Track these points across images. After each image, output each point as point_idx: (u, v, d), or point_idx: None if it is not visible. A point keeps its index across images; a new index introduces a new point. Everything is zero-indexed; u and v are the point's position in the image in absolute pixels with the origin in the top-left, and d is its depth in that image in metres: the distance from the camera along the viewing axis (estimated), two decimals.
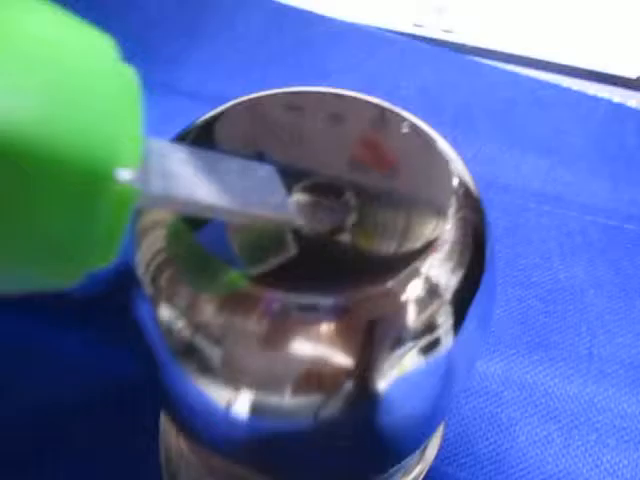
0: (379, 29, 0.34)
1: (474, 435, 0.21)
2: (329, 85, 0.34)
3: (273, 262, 0.13)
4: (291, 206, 0.13)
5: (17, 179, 0.09)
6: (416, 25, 0.35)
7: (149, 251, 0.13)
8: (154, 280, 0.13)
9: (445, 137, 0.16)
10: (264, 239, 0.13)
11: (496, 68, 0.33)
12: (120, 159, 0.10)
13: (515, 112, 0.31)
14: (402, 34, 0.34)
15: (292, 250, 0.13)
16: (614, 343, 0.23)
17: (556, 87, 0.32)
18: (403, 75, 0.32)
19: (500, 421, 0.21)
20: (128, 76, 0.10)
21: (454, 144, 0.30)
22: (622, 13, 0.35)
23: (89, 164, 0.09)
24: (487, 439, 0.21)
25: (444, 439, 0.21)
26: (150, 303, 0.13)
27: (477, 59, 0.33)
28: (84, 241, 0.10)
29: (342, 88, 0.17)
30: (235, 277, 0.12)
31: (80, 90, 0.09)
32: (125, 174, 0.10)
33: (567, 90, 0.32)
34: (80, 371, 0.21)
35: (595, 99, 0.32)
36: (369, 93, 0.33)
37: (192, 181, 0.11)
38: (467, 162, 0.29)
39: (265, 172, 0.13)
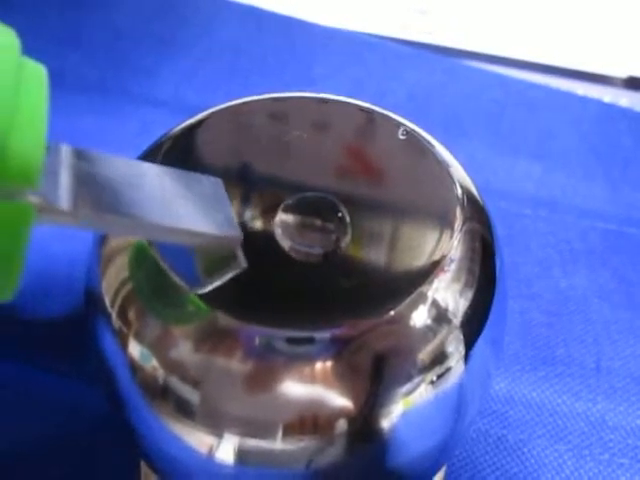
0: (363, 34, 0.33)
1: (479, 460, 0.20)
2: (312, 92, 0.33)
3: (223, 277, 0.11)
4: (235, 225, 0.11)
5: None
6: (401, 29, 0.34)
7: (116, 279, 0.11)
8: (122, 313, 0.11)
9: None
10: (213, 252, 0.11)
11: (484, 70, 0.32)
12: (11, 168, 0.08)
13: (505, 115, 0.30)
14: (387, 38, 0.33)
15: (243, 263, 0.11)
16: (622, 355, 0.22)
17: (545, 88, 0.31)
18: (389, 80, 0.31)
19: (507, 443, 0.20)
20: (31, 74, 0.09)
21: None
22: (610, 12, 0.35)
23: None
24: (494, 463, 0.20)
25: (448, 465, 0.19)
26: (118, 338, 0.11)
27: (464, 62, 0.32)
28: None
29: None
30: (195, 302, 0.11)
31: None
32: (16, 188, 0.08)
33: (557, 91, 0.31)
34: (48, 407, 0.19)
35: (585, 100, 0.31)
36: (355, 99, 0.32)
37: (117, 195, 0.09)
38: None
39: (210, 186, 0.11)
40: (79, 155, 0.10)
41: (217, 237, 0.11)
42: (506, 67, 0.33)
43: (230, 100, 0.15)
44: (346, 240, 0.12)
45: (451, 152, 0.14)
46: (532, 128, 0.30)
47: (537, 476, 0.19)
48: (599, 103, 0.31)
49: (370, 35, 0.33)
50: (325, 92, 0.34)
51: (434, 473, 0.15)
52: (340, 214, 0.12)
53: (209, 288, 0.11)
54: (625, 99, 0.33)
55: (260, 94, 0.15)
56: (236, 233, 0.11)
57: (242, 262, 0.11)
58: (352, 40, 0.33)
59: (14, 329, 0.20)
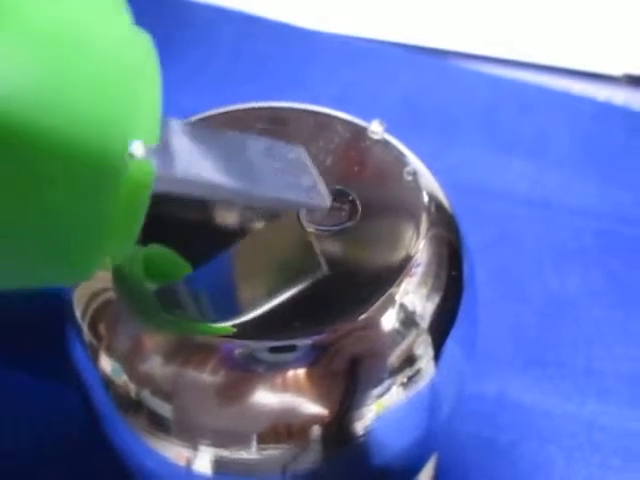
0: (355, 38, 0.33)
1: (470, 462, 0.20)
2: (307, 97, 0.33)
3: (303, 282, 0.11)
4: (322, 189, 0.12)
5: (21, 157, 0.08)
6: (392, 32, 0.34)
7: (87, 292, 0.11)
8: (93, 325, 0.11)
9: (427, 144, 0.14)
10: (292, 258, 0.12)
11: (476, 71, 0.32)
12: (137, 133, 0.09)
13: (498, 115, 0.30)
14: (379, 42, 0.33)
15: (324, 268, 0.11)
16: (613, 356, 0.21)
17: (539, 88, 0.31)
18: (382, 83, 0.31)
19: (497, 446, 0.20)
20: (144, 44, 0.10)
21: (437, 151, 0.28)
22: (603, 9, 0.34)
23: (104, 140, 0.08)
24: (484, 465, 0.20)
25: (438, 468, 0.19)
26: (89, 351, 0.11)
27: (456, 63, 0.32)
28: (99, 224, 0.09)
29: (320, 99, 0.15)
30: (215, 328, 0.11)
31: (93, 61, 0.09)
32: (142, 148, 0.09)
33: (550, 90, 0.31)
34: (39, 411, 0.19)
35: (580, 99, 0.31)
36: (348, 103, 0.32)
37: (217, 162, 0.10)
38: (451, 169, 0.28)
39: (294, 154, 0.12)
40: (184, 127, 0.10)
41: (303, 204, 0.11)
42: (498, 67, 0.33)
43: (223, 107, 0.15)
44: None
45: (437, 155, 0.14)
46: (526, 128, 0.30)
47: (528, 478, 0.19)
48: (593, 102, 0.31)
49: (362, 39, 0.34)
50: (318, 96, 0.34)
51: (415, 472, 0.15)
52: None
53: (287, 295, 0.11)
54: (620, 97, 0.32)
55: (253, 100, 0.15)
56: (322, 200, 0.12)
57: (324, 267, 0.12)
58: (344, 44, 0.33)
59: (5, 333, 0.20)
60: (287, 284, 0.11)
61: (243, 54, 0.33)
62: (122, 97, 0.09)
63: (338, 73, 0.32)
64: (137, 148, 0.09)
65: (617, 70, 0.33)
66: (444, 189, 0.13)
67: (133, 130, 0.09)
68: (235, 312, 0.11)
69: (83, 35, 0.09)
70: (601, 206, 0.26)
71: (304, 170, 0.12)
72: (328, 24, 0.34)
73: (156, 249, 0.12)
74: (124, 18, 0.09)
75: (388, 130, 0.14)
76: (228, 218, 0.12)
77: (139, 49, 0.09)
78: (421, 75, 0.31)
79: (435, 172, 0.14)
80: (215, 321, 0.11)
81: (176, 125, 0.10)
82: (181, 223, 0.12)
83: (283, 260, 0.12)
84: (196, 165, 0.10)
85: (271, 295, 0.11)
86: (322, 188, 0.12)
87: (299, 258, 0.12)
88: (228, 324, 0.11)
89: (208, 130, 0.11)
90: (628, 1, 0.35)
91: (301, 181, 0.11)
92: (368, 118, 0.14)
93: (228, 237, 0.12)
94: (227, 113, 0.15)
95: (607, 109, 0.30)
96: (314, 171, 0.12)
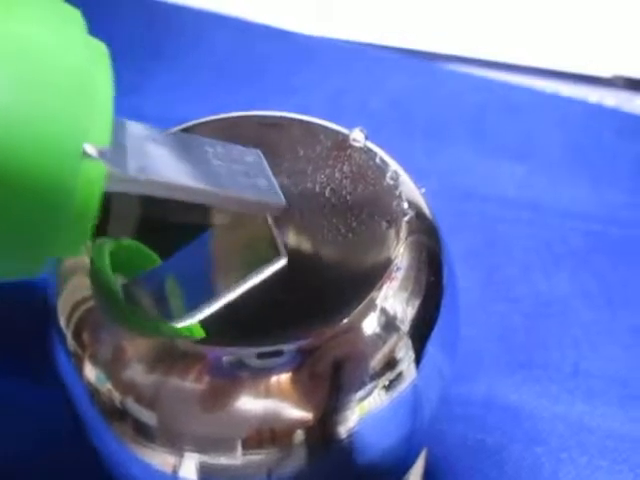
0: (344, 41, 0.34)
1: (458, 464, 0.20)
2: (297, 100, 0.33)
3: (267, 271, 0.12)
4: (278, 190, 0.12)
5: None
6: (382, 35, 0.35)
7: (71, 299, 0.12)
8: (77, 334, 0.11)
9: (417, 147, 0.15)
10: (254, 247, 0.12)
11: (466, 74, 0.32)
12: (89, 135, 0.09)
13: (488, 118, 0.30)
14: (368, 45, 0.34)
15: (284, 257, 0.12)
16: (601, 357, 0.22)
17: (529, 90, 0.31)
18: (372, 87, 0.31)
19: (485, 447, 0.20)
20: (97, 50, 0.10)
21: (427, 154, 0.28)
22: (594, 12, 0.35)
23: (55, 141, 0.09)
24: (472, 467, 0.20)
25: (427, 470, 0.19)
26: (73, 360, 0.11)
27: (446, 66, 0.33)
28: (53, 222, 0.09)
29: (311, 102, 0.15)
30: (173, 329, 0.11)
31: (44, 66, 0.09)
32: (94, 149, 0.09)
33: (541, 93, 0.31)
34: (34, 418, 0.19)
35: (570, 101, 0.31)
36: (338, 106, 0.32)
37: (173, 163, 0.11)
38: (441, 172, 0.28)
39: (252, 157, 0.12)
40: (142, 130, 0.11)
41: (261, 203, 0.12)
42: (488, 69, 0.33)
43: (215, 112, 0.15)
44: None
45: (427, 158, 0.14)
46: (516, 130, 0.30)
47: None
48: (584, 104, 0.31)
49: (351, 42, 0.34)
50: (308, 101, 0.34)
51: (400, 475, 0.16)
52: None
53: (249, 286, 0.12)
54: (611, 99, 0.33)
55: (246, 105, 0.15)
56: (279, 200, 0.12)
57: (283, 255, 0.12)
58: (334, 48, 0.33)
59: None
60: (250, 275, 0.12)
61: (233, 60, 0.33)
62: (74, 102, 0.09)
63: (328, 76, 0.32)
64: (89, 149, 0.09)
65: (608, 72, 0.33)
66: (425, 196, 0.14)
67: (86, 133, 0.09)
68: (201, 304, 0.12)
69: (32, 45, 0.09)
70: (590, 208, 0.26)
71: (261, 172, 0.12)
72: (318, 28, 0.34)
73: (123, 242, 0.12)
74: (76, 26, 0.10)
75: (377, 132, 0.14)
76: (193, 213, 0.13)
77: (90, 55, 0.10)
78: (410, 78, 0.31)
79: (424, 174, 0.14)
80: (179, 315, 0.11)
81: (134, 128, 0.10)
82: (147, 220, 0.12)
83: (246, 251, 0.12)
84: (151, 166, 0.10)
85: (235, 287, 0.12)
86: (278, 189, 0.12)
87: (261, 247, 0.12)
88: (197, 319, 0.11)
89: (167, 133, 0.11)
90: (618, 3, 0.35)
91: (258, 182, 0.12)
92: (357, 120, 0.15)
93: (194, 231, 0.12)
94: (215, 121, 0.15)
95: (598, 111, 0.30)
96: (270, 173, 0.12)
